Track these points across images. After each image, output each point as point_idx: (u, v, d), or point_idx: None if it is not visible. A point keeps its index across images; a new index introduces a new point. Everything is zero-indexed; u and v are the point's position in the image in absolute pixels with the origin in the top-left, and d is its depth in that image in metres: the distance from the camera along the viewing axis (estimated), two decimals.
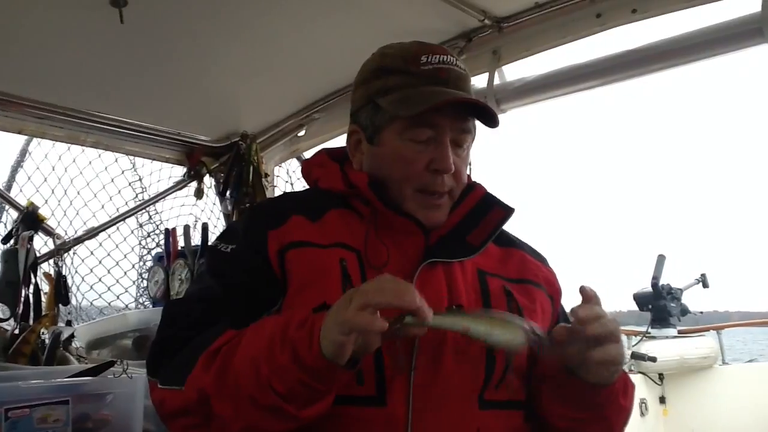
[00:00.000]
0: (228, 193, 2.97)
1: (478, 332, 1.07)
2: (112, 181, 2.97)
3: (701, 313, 5.52)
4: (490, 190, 1.38)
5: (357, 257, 1.20)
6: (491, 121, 1.28)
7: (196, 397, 1.06)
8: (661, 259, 5.30)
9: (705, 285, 5.46)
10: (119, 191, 2.99)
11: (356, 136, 1.33)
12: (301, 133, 2.99)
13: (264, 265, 1.19)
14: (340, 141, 2.94)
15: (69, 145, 2.80)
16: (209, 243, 2.59)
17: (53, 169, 2.90)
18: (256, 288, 1.19)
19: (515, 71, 2.34)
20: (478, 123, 1.30)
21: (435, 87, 1.23)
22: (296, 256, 1.19)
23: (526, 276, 1.34)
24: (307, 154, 3.19)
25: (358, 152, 1.33)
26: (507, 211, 1.34)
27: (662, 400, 5.09)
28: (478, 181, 1.39)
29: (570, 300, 1.40)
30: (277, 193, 3.15)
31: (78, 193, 2.92)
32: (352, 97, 1.35)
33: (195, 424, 1.10)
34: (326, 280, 1.16)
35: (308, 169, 1.40)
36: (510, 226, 1.39)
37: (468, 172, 1.34)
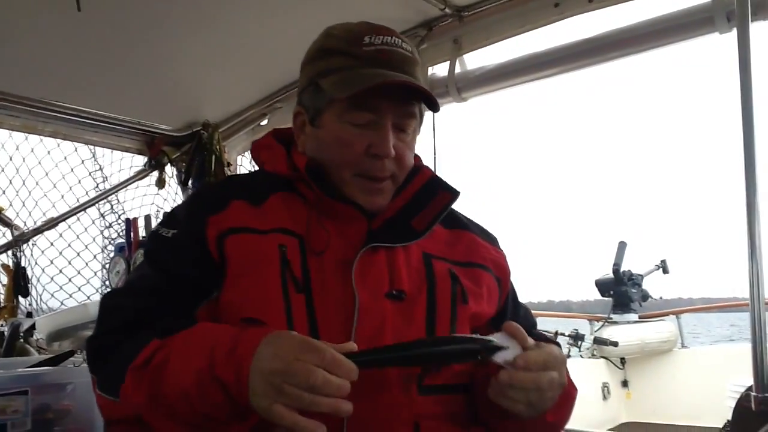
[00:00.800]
0: (190, 182, 2.94)
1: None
2: (72, 170, 2.92)
3: (660, 298, 5.64)
4: (445, 174, 1.36)
5: (299, 243, 1.18)
6: (432, 105, 1.25)
7: (132, 414, 1.07)
8: (622, 245, 5.41)
9: (665, 271, 5.59)
10: (79, 181, 2.95)
11: (301, 118, 1.30)
12: (264, 122, 2.98)
13: (203, 252, 1.17)
14: None
15: (26, 134, 2.74)
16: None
17: (11, 159, 2.85)
18: (194, 276, 1.17)
19: (476, 60, 2.37)
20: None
21: (376, 69, 1.19)
22: (234, 242, 1.17)
23: (474, 259, 1.32)
24: None
25: (302, 134, 1.30)
26: (453, 195, 1.32)
27: (624, 383, 5.21)
28: (425, 164, 1.37)
29: (525, 288, 1.42)
30: None
31: (37, 183, 2.87)
32: (300, 78, 1.32)
33: None
34: (263, 267, 1.15)
35: (257, 151, 1.36)
36: (465, 209, 1.39)
37: (414, 156, 1.31)
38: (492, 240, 1.42)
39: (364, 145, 1.20)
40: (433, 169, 1.37)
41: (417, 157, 1.34)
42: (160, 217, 2.63)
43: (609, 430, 4.67)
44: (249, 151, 3.19)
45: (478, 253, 1.34)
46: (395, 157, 1.23)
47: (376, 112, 1.20)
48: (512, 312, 1.37)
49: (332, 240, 1.20)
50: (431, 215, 1.29)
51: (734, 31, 1.79)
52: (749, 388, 1.72)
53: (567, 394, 1.21)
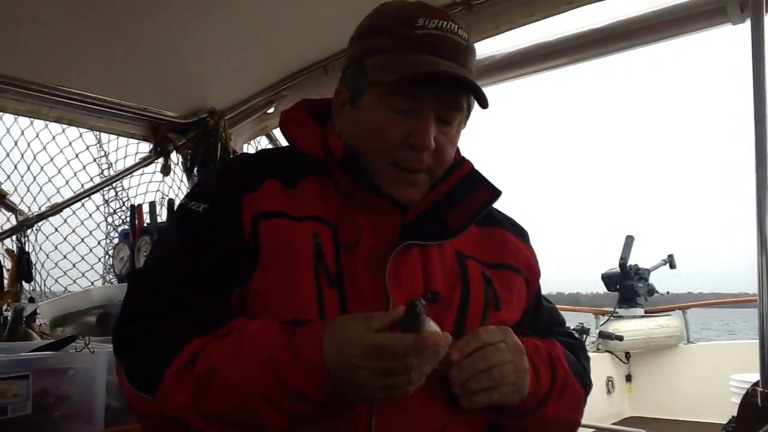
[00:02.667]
0: (195, 169, 2.93)
1: None
2: (77, 156, 2.91)
3: (667, 293, 5.62)
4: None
5: (332, 234, 1.13)
6: (480, 99, 1.17)
7: (173, 416, 1.04)
8: (629, 239, 5.38)
9: (672, 266, 5.56)
10: (84, 167, 2.94)
11: (341, 97, 1.23)
12: (271, 110, 2.96)
13: (237, 235, 1.11)
14: None
15: (32, 119, 2.73)
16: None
17: (16, 144, 2.84)
18: (226, 259, 1.11)
19: (484, 49, 2.34)
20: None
21: (423, 55, 1.11)
22: (269, 227, 1.12)
23: (505, 259, 1.28)
24: (277, 132, 3.16)
25: (341, 114, 1.23)
26: (494, 193, 1.26)
27: (628, 378, 5.20)
28: (466, 158, 1.30)
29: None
30: None
31: (41, 168, 2.86)
32: (346, 54, 1.25)
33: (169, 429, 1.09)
34: (297, 258, 1.10)
35: (286, 124, 1.27)
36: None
37: (456, 150, 1.24)
38: (524, 236, 1.36)
39: (402, 134, 1.13)
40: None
41: (458, 151, 1.27)
42: (165, 204, 2.62)
43: (613, 424, 4.66)
44: (255, 139, 3.18)
45: (510, 253, 1.29)
46: (435, 151, 1.16)
47: (418, 100, 1.13)
48: (532, 317, 1.32)
49: (365, 233, 1.15)
50: (468, 213, 1.23)
51: (748, 22, 1.76)
52: (756, 384, 1.70)
53: (564, 385, 1.19)
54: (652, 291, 5.42)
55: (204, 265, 1.12)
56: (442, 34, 1.13)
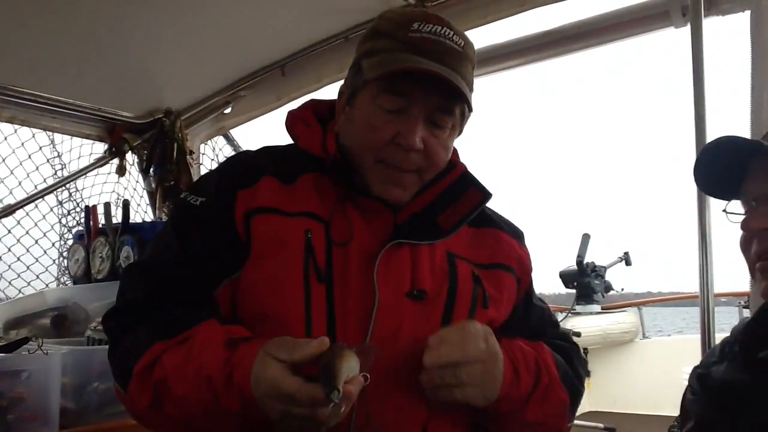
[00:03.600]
0: (152, 170, 2.91)
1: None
2: (30, 157, 2.86)
3: (623, 290, 5.72)
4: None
5: (325, 230, 1.16)
6: (466, 103, 1.19)
7: (139, 411, 1.11)
8: (585, 238, 5.47)
9: (628, 263, 5.67)
10: (37, 168, 2.88)
11: (343, 98, 1.26)
12: (228, 110, 2.96)
13: (230, 228, 1.15)
14: (267, 119, 2.94)
15: None
16: (130, 218, 2.56)
17: None
18: (218, 251, 1.15)
19: None
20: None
21: (413, 56, 1.14)
22: (261, 222, 1.15)
23: (497, 259, 1.29)
24: (234, 132, 3.16)
25: (342, 114, 1.25)
26: (485, 195, 1.28)
27: (587, 373, 5.28)
28: (460, 161, 1.32)
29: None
30: (203, 170, 3.11)
31: None
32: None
33: None
34: (287, 252, 1.13)
35: (291, 123, 1.29)
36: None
37: (451, 152, 1.26)
38: (518, 236, 1.37)
39: (391, 133, 1.15)
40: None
41: (455, 153, 1.29)
42: (120, 204, 2.59)
43: None
44: (213, 139, 3.17)
45: (502, 252, 1.30)
46: (425, 153, 1.17)
47: (408, 100, 1.15)
48: (522, 316, 1.32)
49: (357, 231, 1.17)
50: (459, 215, 1.25)
51: (688, 26, 1.83)
52: None
53: (547, 391, 1.19)
54: (608, 288, 5.52)
55: (195, 256, 1.15)
56: (435, 38, 1.16)
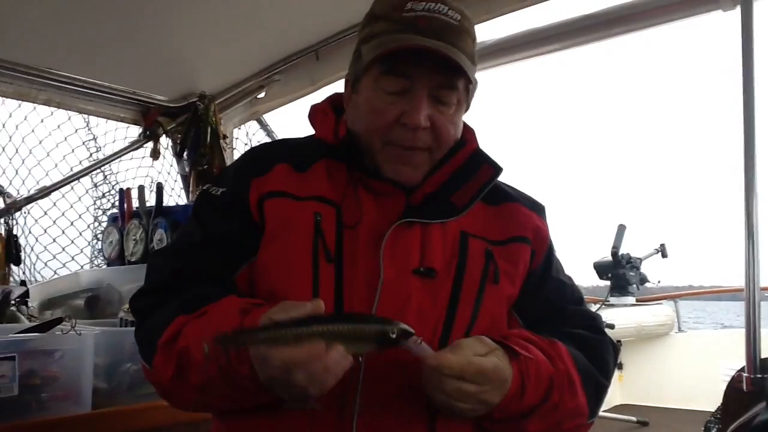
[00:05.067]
0: (185, 154, 2.92)
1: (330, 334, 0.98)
2: (66, 139, 2.90)
3: (659, 282, 5.63)
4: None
5: (336, 213, 1.18)
6: (464, 75, 1.16)
7: (164, 383, 1.14)
8: (621, 228, 5.39)
9: (664, 255, 5.58)
10: (73, 150, 2.92)
11: (348, 86, 1.27)
12: (261, 95, 2.95)
13: (245, 214, 1.19)
14: (300, 104, 2.93)
15: (20, 102, 2.71)
16: (162, 202, 2.58)
17: (3, 127, 2.81)
18: (235, 236, 1.19)
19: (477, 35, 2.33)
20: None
21: (409, 35, 1.13)
22: (272, 205, 1.18)
23: (512, 232, 1.26)
24: (268, 117, 3.16)
25: (349, 101, 1.27)
26: (495, 170, 1.26)
27: (619, 366, 5.22)
28: (472, 137, 1.30)
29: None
30: (236, 155, 3.12)
31: (30, 151, 2.84)
32: None
33: None
34: (296, 234, 1.15)
35: (312, 114, 1.32)
36: (504, 177, 1.30)
37: (464, 129, 1.25)
38: (538, 209, 1.34)
39: (395, 114, 1.16)
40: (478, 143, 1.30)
41: (470, 131, 1.29)
42: (154, 188, 2.61)
43: (603, 411, 4.69)
44: (246, 124, 3.17)
45: (519, 223, 1.28)
46: (433, 130, 1.17)
47: (408, 78, 1.15)
48: (535, 288, 1.27)
49: (368, 213, 1.18)
50: (472, 191, 1.24)
51: (738, 9, 1.76)
52: (741, 369, 1.72)
53: (557, 404, 1.14)
54: (643, 280, 5.45)
55: (216, 242, 1.20)
56: (430, 15, 1.15)
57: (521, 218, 1.29)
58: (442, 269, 1.18)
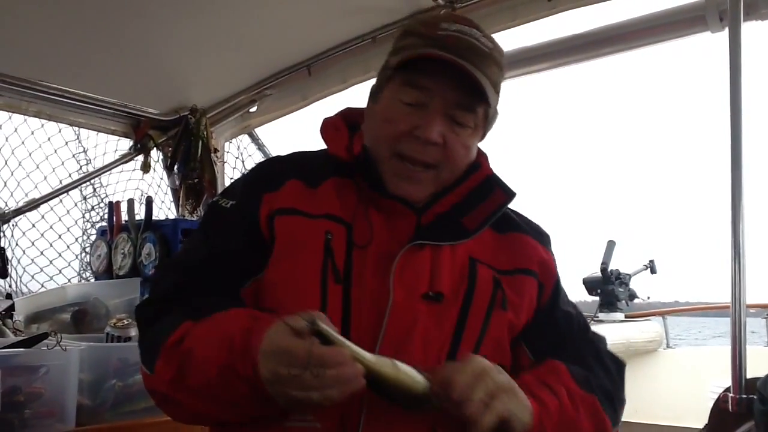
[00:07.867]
0: (176, 167, 2.92)
1: (386, 371, 0.99)
2: (56, 152, 2.88)
3: (648, 298, 5.64)
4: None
5: (346, 232, 1.16)
6: (483, 97, 1.15)
7: (162, 388, 1.12)
8: (610, 244, 5.40)
9: (653, 271, 5.58)
10: (63, 163, 2.90)
11: (370, 97, 1.27)
12: (253, 109, 2.96)
13: (254, 229, 1.17)
14: (292, 118, 2.93)
15: (10, 114, 2.70)
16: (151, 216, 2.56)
17: None
18: (242, 252, 1.17)
19: None
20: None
21: (435, 50, 1.13)
22: (283, 223, 1.16)
23: (519, 264, 1.26)
24: (259, 131, 3.16)
25: (368, 111, 1.27)
26: (508, 195, 1.26)
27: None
28: (486, 162, 1.29)
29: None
30: (227, 169, 3.12)
31: (19, 163, 2.82)
32: None
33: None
34: (306, 253, 1.14)
35: (324, 129, 1.30)
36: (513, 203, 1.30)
37: (476, 153, 1.24)
38: (544, 240, 1.34)
39: (409, 125, 1.15)
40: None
41: (483, 156, 1.28)
42: (144, 201, 2.60)
43: None
44: (237, 138, 3.17)
45: (526, 255, 1.27)
46: (444, 149, 1.16)
47: (427, 92, 1.15)
48: (544, 322, 1.26)
49: (378, 233, 1.17)
50: (483, 215, 1.23)
51: (726, 31, 1.78)
52: (727, 389, 1.72)
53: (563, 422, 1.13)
54: (632, 296, 5.45)
55: (221, 255, 1.18)
56: (460, 36, 1.16)
57: (528, 250, 1.28)
58: (449, 294, 1.16)
